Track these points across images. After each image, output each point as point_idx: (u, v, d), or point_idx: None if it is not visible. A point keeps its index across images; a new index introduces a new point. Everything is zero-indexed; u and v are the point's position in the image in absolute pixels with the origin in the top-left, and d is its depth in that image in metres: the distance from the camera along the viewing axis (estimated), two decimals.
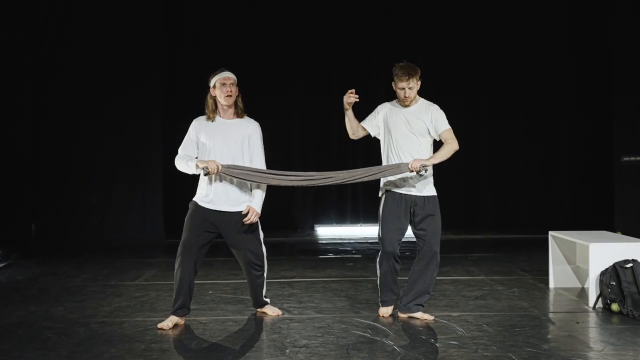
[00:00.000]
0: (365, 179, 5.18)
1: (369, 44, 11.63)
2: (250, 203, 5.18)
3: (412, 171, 5.06)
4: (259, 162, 5.25)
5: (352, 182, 5.27)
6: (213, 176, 5.13)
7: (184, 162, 5.19)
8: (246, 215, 5.13)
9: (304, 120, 11.71)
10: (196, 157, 5.23)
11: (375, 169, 5.20)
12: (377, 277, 5.39)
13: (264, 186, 5.25)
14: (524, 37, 11.64)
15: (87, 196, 10.48)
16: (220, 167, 5.06)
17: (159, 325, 5.10)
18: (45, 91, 10.46)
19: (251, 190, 5.26)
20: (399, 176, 5.19)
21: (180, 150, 5.29)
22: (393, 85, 5.27)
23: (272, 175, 5.18)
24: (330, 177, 5.22)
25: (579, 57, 11.65)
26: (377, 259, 5.35)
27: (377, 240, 5.43)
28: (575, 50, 11.68)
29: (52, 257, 8.77)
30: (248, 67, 10.77)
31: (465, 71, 11.52)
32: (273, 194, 10.44)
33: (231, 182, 5.17)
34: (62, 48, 10.46)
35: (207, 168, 5.02)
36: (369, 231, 10.81)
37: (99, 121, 10.47)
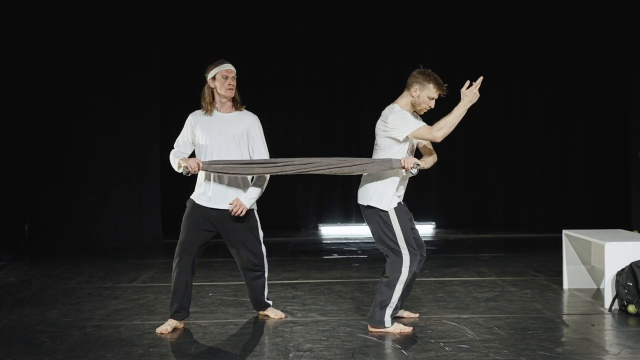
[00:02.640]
0: (353, 169, 5.02)
1: (373, 39, 11.64)
2: (240, 196, 5.16)
3: (404, 168, 4.99)
4: (263, 156, 5.24)
5: (338, 170, 5.07)
6: (211, 173, 5.14)
7: (173, 159, 5.21)
8: (238, 212, 5.12)
9: (306, 119, 11.72)
10: (192, 153, 5.25)
11: (364, 160, 5.05)
12: (396, 289, 4.98)
13: (264, 184, 5.25)
14: (537, 30, 11.64)
15: (82, 195, 10.50)
16: (201, 165, 5.06)
17: (158, 330, 5.11)
18: (38, 87, 10.48)
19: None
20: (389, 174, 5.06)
21: (175, 144, 5.30)
22: (418, 90, 5.06)
23: (254, 165, 5.13)
24: (315, 163, 5.10)
25: (595, 53, 11.64)
26: (406, 268, 4.99)
27: None
28: (591, 46, 11.66)
29: (46, 259, 8.79)
30: (249, 61, 10.80)
31: (475, 65, 11.50)
32: (275, 191, 10.56)
33: (229, 180, 5.17)
34: (55, 42, 10.47)
35: (186, 168, 5.03)
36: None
37: (94, 118, 10.50)
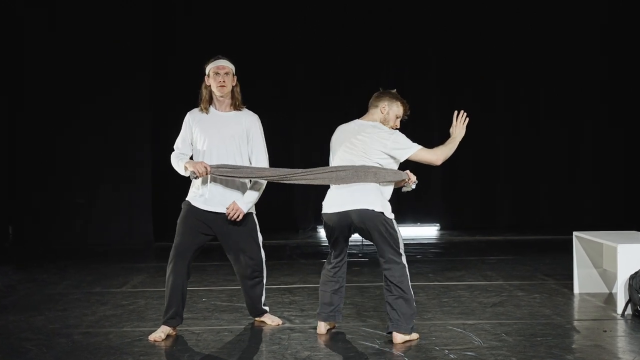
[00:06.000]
0: (369, 175, 4.98)
1: (373, 39, 11.69)
2: (237, 199, 5.16)
3: (410, 180, 5.10)
4: (261, 158, 5.23)
5: (353, 172, 5.01)
6: (209, 177, 5.13)
7: (177, 161, 5.20)
8: (234, 215, 5.11)
9: (306, 119, 11.74)
10: (192, 155, 5.25)
11: (378, 168, 5.03)
12: (412, 297, 5.04)
13: (262, 187, 5.25)
14: (544, 27, 11.66)
15: (70, 196, 10.50)
16: (209, 169, 5.06)
17: (151, 337, 5.10)
18: (25, 85, 10.48)
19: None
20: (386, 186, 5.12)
21: (175, 146, 5.29)
22: (387, 107, 5.19)
23: (263, 170, 5.16)
24: (326, 172, 5.09)
25: (607, 50, 11.65)
26: (407, 271, 5.06)
27: None
28: (602, 44, 11.67)
29: (32, 263, 8.79)
30: (248, 61, 10.82)
31: (477, 64, 11.55)
32: (272, 192, 10.53)
33: (227, 181, 5.17)
34: (44, 40, 10.48)
35: (194, 172, 5.03)
36: None
37: (83, 117, 10.51)
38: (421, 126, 11.03)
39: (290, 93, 11.80)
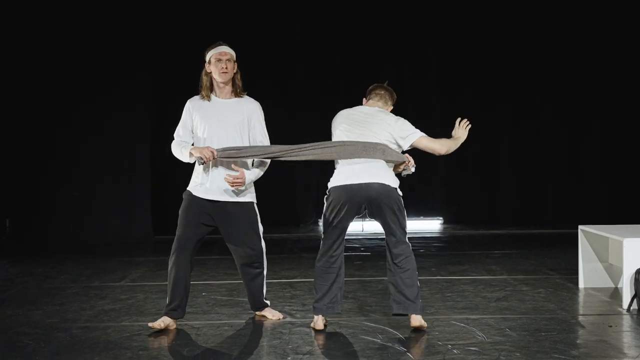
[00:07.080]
0: (377, 152, 5.01)
1: (373, 39, 11.68)
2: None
3: (409, 163, 5.15)
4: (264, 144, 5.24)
5: (362, 147, 5.01)
6: (210, 162, 5.11)
7: (179, 149, 5.19)
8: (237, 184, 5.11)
9: (306, 120, 11.71)
10: (192, 143, 5.23)
11: (389, 149, 5.07)
12: (418, 282, 5.11)
13: (265, 167, 5.25)
14: (545, 25, 11.62)
15: (68, 189, 10.46)
16: (215, 153, 5.03)
17: (150, 324, 5.10)
18: (24, 79, 10.45)
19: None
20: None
21: (175, 134, 5.28)
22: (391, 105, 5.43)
23: (270, 147, 5.16)
24: (335, 146, 5.09)
25: (607, 50, 11.60)
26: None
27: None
28: (602, 44, 11.63)
29: (29, 256, 8.79)
30: (248, 60, 10.76)
31: (478, 64, 11.52)
32: (274, 185, 10.54)
33: (229, 170, 5.14)
34: (44, 40, 10.44)
35: (201, 158, 5.00)
36: (379, 226, 10.78)
37: (82, 109, 10.45)
38: (421, 126, 10.98)
39: (290, 93, 11.80)
